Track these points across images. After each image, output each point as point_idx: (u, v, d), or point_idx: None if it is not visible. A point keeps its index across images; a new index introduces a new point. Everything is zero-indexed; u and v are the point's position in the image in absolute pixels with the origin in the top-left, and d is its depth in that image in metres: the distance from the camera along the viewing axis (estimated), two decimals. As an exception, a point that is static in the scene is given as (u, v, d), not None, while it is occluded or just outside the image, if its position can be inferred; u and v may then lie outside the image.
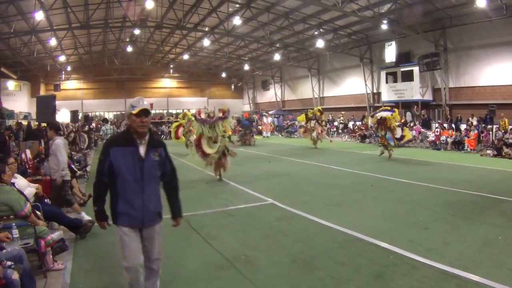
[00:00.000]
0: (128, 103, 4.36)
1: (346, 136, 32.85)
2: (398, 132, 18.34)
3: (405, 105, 32.05)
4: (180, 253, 6.73)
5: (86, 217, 8.10)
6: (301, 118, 26.43)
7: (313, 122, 24.87)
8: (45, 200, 7.85)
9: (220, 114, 13.95)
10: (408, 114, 31.49)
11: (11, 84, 40.87)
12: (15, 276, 4.48)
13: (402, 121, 28.00)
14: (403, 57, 31.91)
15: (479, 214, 8.68)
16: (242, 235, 7.67)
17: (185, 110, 26.51)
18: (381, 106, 24.97)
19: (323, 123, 25.78)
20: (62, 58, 39.75)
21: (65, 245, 6.97)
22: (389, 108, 19.24)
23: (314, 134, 24.62)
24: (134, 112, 4.18)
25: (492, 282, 5.18)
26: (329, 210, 9.27)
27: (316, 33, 32.88)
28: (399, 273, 5.61)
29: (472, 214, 8.63)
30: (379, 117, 18.42)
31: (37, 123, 23.89)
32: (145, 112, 4.22)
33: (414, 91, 31.00)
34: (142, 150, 4.32)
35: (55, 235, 6.42)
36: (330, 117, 38.93)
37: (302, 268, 5.93)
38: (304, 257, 6.35)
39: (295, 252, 6.58)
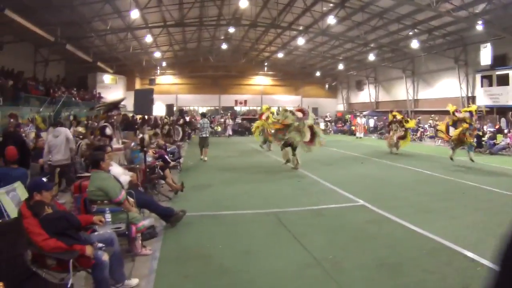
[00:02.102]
0: None
1: (439, 140, 31.41)
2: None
3: (500, 111, 30.27)
4: (268, 249, 6.84)
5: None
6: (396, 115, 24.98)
7: (394, 125, 22.98)
8: (139, 188, 8.15)
9: (300, 114, 15.01)
10: (503, 120, 29.58)
11: (107, 78, 43.43)
12: (105, 257, 4.72)
13: (497, 127, 26.43)
14: (499, 60, 29.89)
15: None
16: (331, 235, 7.64)
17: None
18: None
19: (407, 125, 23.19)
20: (157, 54, 41.29)
21: (155, 232, 7.24)
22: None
23: (394, 138, 22.70)
24: None
25: None
26: (419, 216, 8.94)
27: (410, 33, 31.76)
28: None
29: None
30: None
31: (131, 115, 24.87)
32: None
33: (509, 96, 29.02)
34: None
35: (146, 222, 6.69)
36: (418, 121, 37.64)
37: (388, 273, 5.82)
38: (391, 262, 6.22)
39: (383, 256, 6.45)
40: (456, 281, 5.50)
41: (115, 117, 9.80)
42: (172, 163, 13.07)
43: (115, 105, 9.75)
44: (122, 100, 10.59)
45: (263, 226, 8.26)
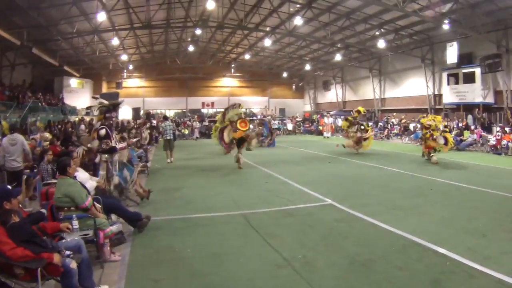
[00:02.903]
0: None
1: (406, 138, 32.10)
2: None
3: (467, 108, 30.96)
4: (239, 251, 6.88)
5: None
6: (344, 124, 24.68)
7: (355, 127, 22.49)
8: (106, 193, 8.12)
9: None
10: (470, 117, 30.30)
11: (73, 82, 42.72)
12: (73, 265, 4.70)
13: (464, 124, 27.07)
14: (465, 58, 30.62)
15: (541, 223, 8.25)
16: (300, 235, 7.71)
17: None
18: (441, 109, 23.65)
19: (367, 125, 23.60)
20: (124, 57, 40.75)
21: (124, 238, 7.20)
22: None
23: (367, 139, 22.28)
24: None
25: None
26: (389, 214, 9.17)
27: (377, 33, 32.22)
28: (455, 280, 5.53)
29: (534, 223, 8.22)
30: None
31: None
32: None
33: (475, 93, 29.84)
34: None
35: (114, 228, 6.67)
36: (386, 119, 38.90)
37: (359, 271, 5.94)
38: (362, 260, 6.35)
39: (353, 254, 6.58)
40: (427, 277, 5.64)
41: (113, 119, 9.76)
42: (140, 167, 13.02)
43: (115, 106, 9.66)
44: (122, 102, 10.50)
45: (233, 228, 8.29)
